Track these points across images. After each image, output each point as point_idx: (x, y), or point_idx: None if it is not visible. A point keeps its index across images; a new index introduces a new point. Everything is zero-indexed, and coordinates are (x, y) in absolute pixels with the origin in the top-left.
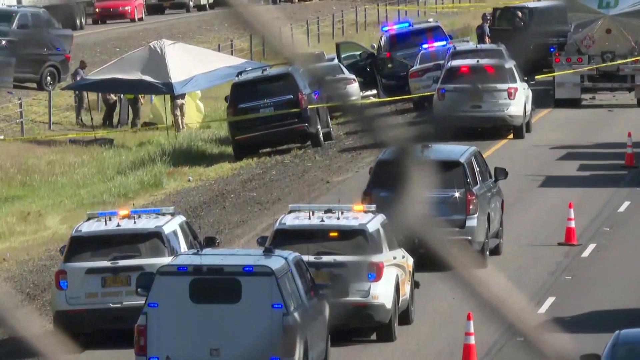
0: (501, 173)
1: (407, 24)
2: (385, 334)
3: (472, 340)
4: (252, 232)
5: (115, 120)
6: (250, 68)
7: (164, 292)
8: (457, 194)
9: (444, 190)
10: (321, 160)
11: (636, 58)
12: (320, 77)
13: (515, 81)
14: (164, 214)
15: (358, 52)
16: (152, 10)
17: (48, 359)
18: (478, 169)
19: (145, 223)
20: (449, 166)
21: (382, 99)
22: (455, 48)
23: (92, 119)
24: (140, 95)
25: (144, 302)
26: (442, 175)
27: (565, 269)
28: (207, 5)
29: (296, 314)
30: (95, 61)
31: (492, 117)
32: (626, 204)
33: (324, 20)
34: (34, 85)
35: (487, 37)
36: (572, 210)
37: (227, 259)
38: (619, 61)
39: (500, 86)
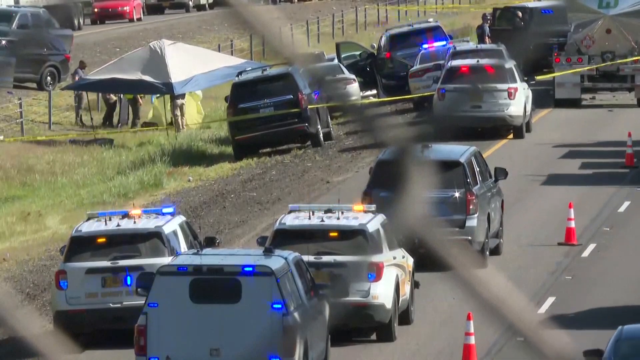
0: (501, 173)
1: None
2: (385, 334)
3: (472, 340)
4: (252, 232)
5: (115, 120)
6: (250, 68)
7: (164, 292)
8: (457, 194)
9: (444, 190)
10: (321, 160)
11: (636, 58)
12: (320, 77)
13: (515, 81)
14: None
15: (358, 52)
16: (151, 10)
17: (48, 359)
18: (478, 169)
19: (145, 223)
20: (449, 166)
21: (382, 99)
22: (455, 48)
23: (92, 119)
24: (139, 96)
25: (144, 302)
26: (442, 175)
27: (565, 269)
28: (207, 5)
29: (296, 314)
30: (95, 61)
31: (492, 117)
32: (626, 204)
33: (324, 20)
34: (34, 85)
35: (487, 37)
36: (572, 210)
37: (227, 259)
38: (619, 61)
39: (500, 86)
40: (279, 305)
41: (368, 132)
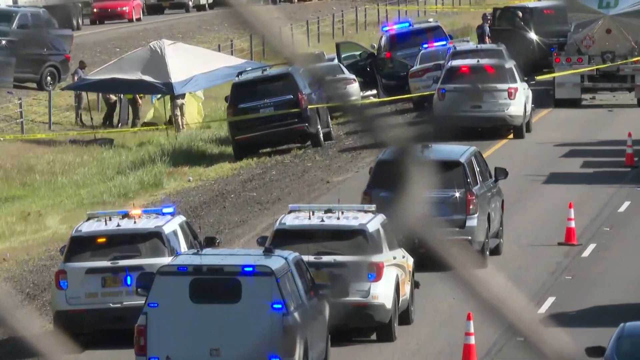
0: (501, 173)
1: (407, 24)
2: (385, 334)
3: (472, 340)
4: (252, 232)
5: (115, 120)
6: (250, 68)
7: (164, 292)
8: (457, 194)
9: (444, 190)
10: (321, 160)
11: (636, 58)
12: (320, 77)
13: (515, 81)
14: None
15: (358, 52)
16: (151, 10)
17: (48, 359)
18: (478, 169)
19: (145, 223)
20: (449, 166)
21: (382, 99)
22: (455, 48)
23: (92, 119)
24: (139, 96)
25: (144, 302)
26: (442, 175)
27: (565, 269)
28: (207, 5)
29: (296, 314)
30: (95, 61)
31: (492, 117)
32: (626, 204)
33: (324, 20)
34: (34, 85)
35: (487, 37)
36: (572, 210)
37: (227, 259)
38: (619, 61)
39: (500, 86)
40: (279, 305)
41: (368, 132)
